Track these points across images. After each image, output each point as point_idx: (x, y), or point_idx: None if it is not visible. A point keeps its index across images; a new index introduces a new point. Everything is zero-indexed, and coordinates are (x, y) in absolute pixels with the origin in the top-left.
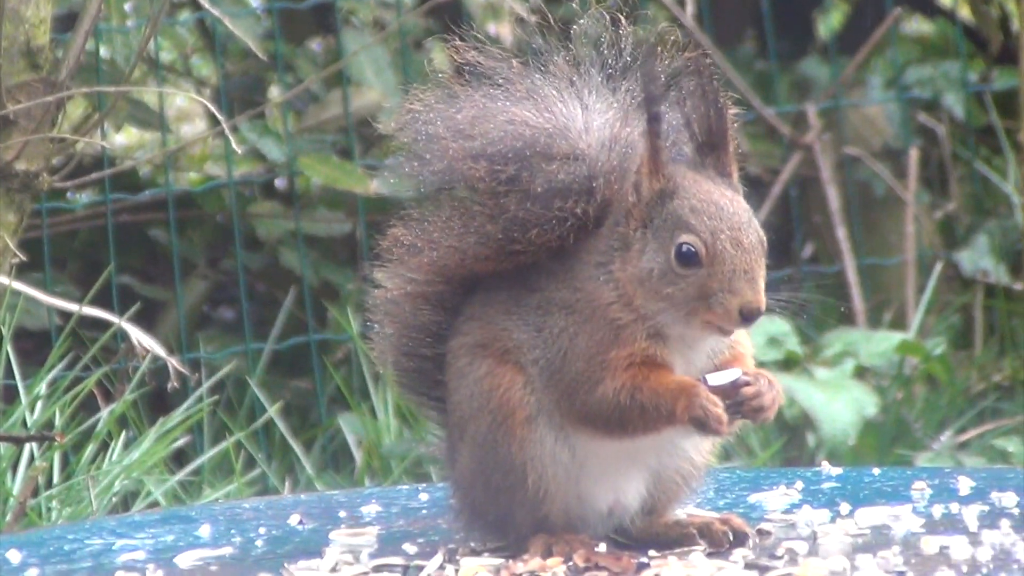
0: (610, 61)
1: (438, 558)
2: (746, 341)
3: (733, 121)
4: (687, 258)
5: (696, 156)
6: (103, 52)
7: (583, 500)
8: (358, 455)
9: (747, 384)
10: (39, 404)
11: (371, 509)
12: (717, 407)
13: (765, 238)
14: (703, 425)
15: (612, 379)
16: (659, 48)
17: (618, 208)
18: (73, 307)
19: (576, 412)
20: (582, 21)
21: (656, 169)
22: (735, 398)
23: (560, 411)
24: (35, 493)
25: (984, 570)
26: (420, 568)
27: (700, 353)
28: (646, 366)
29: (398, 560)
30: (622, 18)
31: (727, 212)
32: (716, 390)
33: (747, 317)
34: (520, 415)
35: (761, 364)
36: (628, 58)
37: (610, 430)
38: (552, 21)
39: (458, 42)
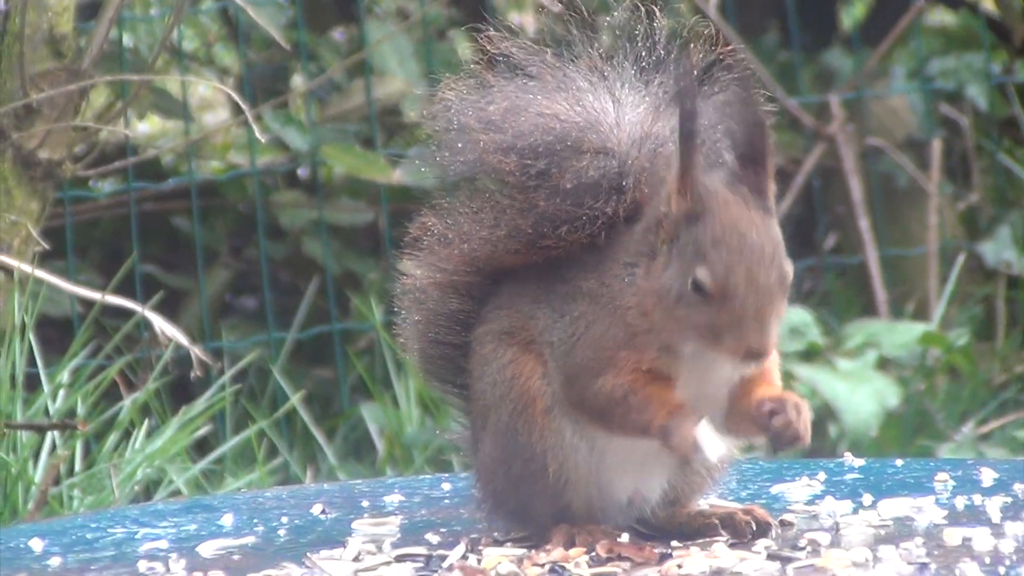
0: (643, 54)
1: (460, 548)
2: (774, 354)
3: (774, 140)
4: (700, 290)
5: (736, 167)
6: (126, 40)
7: (603, 490)
8: (380, 444)
9: (774, 413)
10: (61, 392)
11: (394, 499)
12: (687, 439)
13: (790, 270)
14: (667, 444)
15: (614, 376)
16: (694, 61)
17: (651, 212)
18: (96, 295)
19: (573, 397)
20: (616, 13)
21: (686, 189)
22: (769, 432)
23: (564, 394)
24: (57, 481)
25: (1007, 562)
26: (443, 558)
27: (718, 368)
28: (651, 374)
29: (421, 550)
30: (656, 10)
31: (749, 245)
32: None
33: (751, 358)
34: (540, 404)
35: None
36: (662, 51)
37: (594, 422)
38: (585, 14)
39: (491, 32)
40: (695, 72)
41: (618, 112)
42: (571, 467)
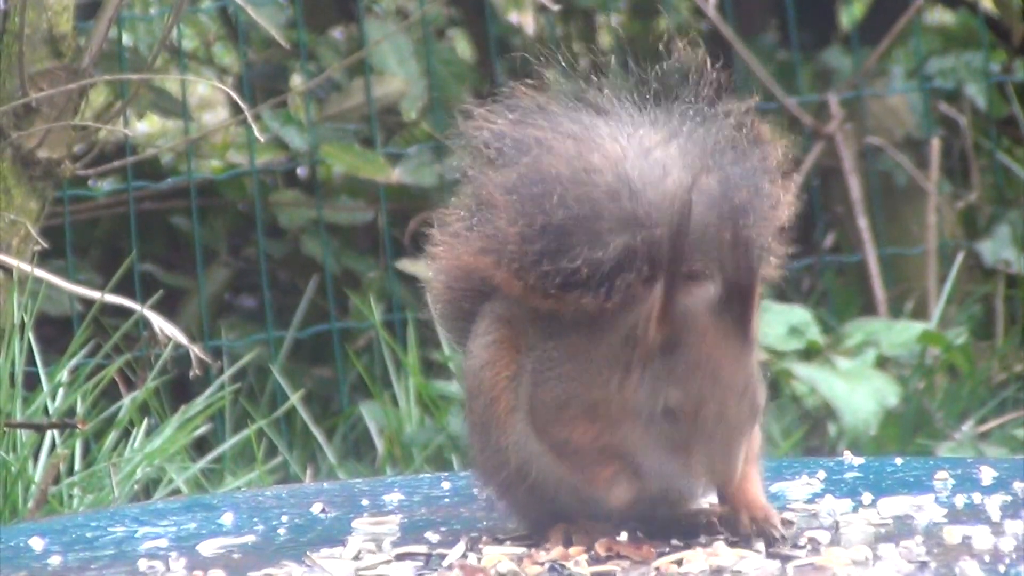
0: (689, 100)
1: (460, 547)
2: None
3: (762, 279)
4: (670, 416)
5: (721, 293)
6: (126, 40)
7: (581, 494)
8: (380, 443)
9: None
10: (61, 391)
11: (393, 497)
12: (627, 496)
13: (762, 399)
14: (609, 495)
15: (570, 430)
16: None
17: (629, 321)
18: (95, 294)
19: (536, 422)
20: (665, 63)
21: (665, 318)
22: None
23: (529, 416)
24: (57, 480)
25: (1007, 560)
26: (443, 556)
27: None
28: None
29: (421, 548)
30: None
31: (722, 380)
32: None
33: (714, 484)
34: (504, 404)
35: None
36: (705, 101)
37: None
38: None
39: (523, 86)
40: (689, 215)
41: (643, 169)
42: (539, 469)
